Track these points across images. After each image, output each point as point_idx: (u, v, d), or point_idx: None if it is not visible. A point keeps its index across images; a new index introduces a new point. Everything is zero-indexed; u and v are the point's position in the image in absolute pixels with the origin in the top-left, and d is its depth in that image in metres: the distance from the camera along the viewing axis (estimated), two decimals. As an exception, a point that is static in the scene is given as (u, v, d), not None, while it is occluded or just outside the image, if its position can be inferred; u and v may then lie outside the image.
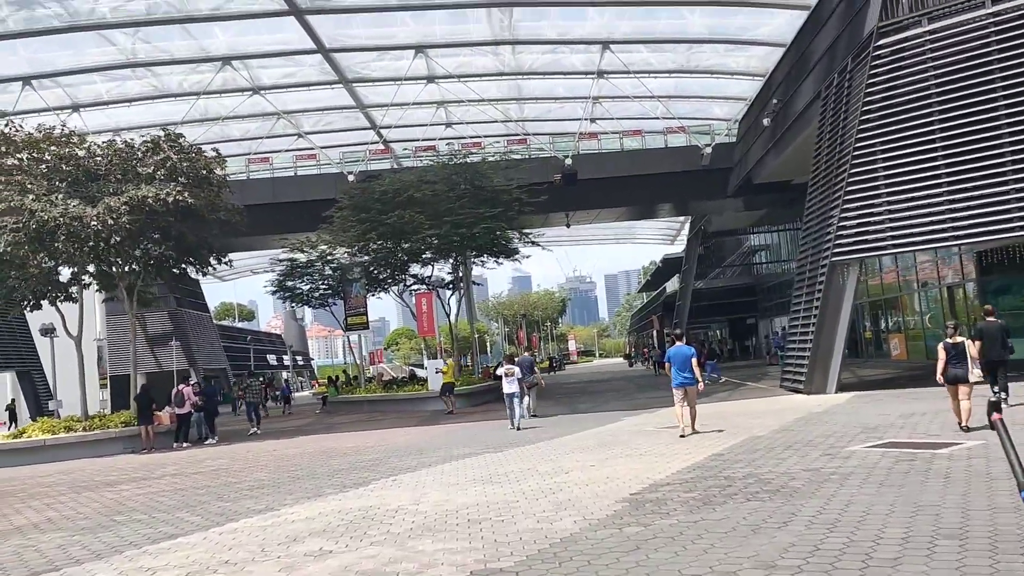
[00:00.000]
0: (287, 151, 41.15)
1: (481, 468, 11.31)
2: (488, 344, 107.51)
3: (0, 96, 32.39)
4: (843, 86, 21.21)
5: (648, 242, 74.86)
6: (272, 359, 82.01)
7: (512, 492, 9.01)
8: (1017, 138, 17.21)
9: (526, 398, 18.49)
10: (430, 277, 32.23)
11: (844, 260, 19.27)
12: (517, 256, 32.42)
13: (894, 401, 15.95)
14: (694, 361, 13.25)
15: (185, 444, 19.70)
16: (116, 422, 20.02)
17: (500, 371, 18.63)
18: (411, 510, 8.37)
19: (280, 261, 32.90)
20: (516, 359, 18.67)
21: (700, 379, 13.41)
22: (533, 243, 32.06)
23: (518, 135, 40.59)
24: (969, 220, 17.54)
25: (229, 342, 65.71)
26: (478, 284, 35.15)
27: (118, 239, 18.67)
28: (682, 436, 12.97)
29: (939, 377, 11.08)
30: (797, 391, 20.58)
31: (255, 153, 40.67)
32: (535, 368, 20.65)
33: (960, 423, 10.78)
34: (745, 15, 32.55)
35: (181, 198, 18.72)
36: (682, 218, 58.96)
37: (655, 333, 65.72)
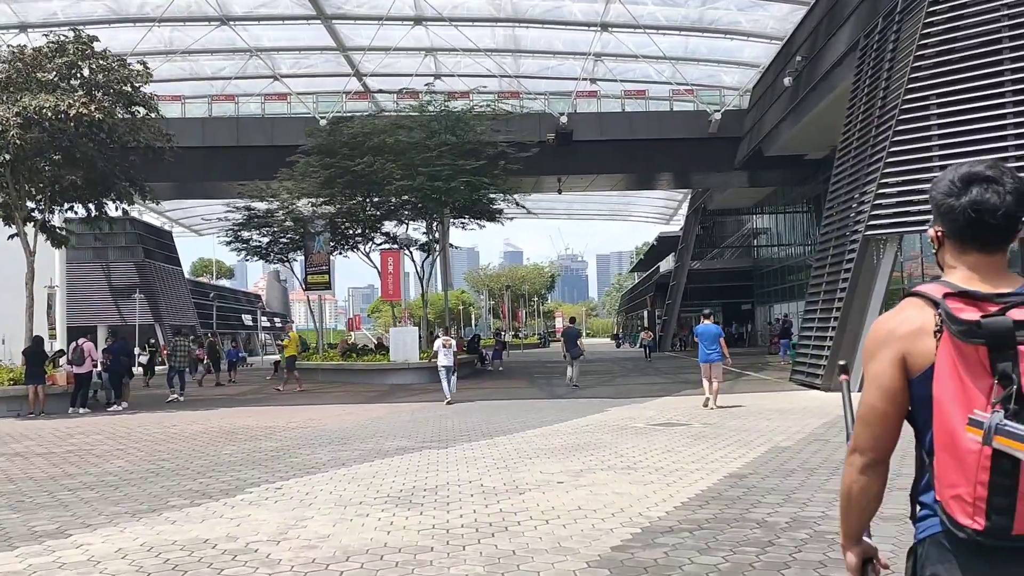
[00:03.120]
0: (259, 95, 37.63)
1: (406, 474, 8.19)
2: (473, 316, 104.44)
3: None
4: (888, 32, 17.96)
5: (643, 220, 71.73)
6: (248, 320, 79.00)
7: (431, 527, 5.89)
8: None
9: (572, 369, 20.57)
10: (401, 236, 28.97)
11: (881, 234, 16.16)
12: (499, 218, 29.16)
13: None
14: (721, 340, 14.43)
15: (83, 410, 16.46)
16: (3, 379, 16.75)
17: (436, 344, 17.43)
18: (259, 556, 5.24)
19: (236, 209, 29.45)
20: (502, 331, 17.02)
21: (727, 355, 14.53)
22: (517, 204, 28.78)
23: (512, 91, 37.09)
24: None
25: (203, 299, 62.76)
26: (455, 248, 31.90)
27: (7, 157, 15.34)
28: (706, 406, 14.08)
29: None
30: (813, 387, 17.55)
31: (220, 95, 37.13)
32: (579, 340, 21.49)
33: None
34: (767, -33, 29.34)
35: (86, 111, 15.34)
36: (680, 195, 55.77)
37: (646, 314, 62.87)
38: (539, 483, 7.56)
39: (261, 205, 28.97)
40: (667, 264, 59.40)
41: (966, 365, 1.63)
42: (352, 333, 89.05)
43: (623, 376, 25.66)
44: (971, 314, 1.65)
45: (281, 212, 28.38)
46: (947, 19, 15.72)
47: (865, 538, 1.88)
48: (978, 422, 1.60)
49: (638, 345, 56.13)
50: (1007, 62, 14.94)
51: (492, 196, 28.13)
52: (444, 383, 16.96)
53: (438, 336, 18.04)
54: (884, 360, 1.78)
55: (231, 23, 33.75)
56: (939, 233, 1.84)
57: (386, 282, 25.66)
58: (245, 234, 29.59)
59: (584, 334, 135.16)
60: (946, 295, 1.70)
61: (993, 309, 1.65)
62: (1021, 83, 14.73)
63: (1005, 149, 14.77)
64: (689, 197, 49.84)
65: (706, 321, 14.97)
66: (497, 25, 35.91)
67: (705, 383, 14.44)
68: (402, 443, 10.66)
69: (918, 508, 1.82)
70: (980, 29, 15.33)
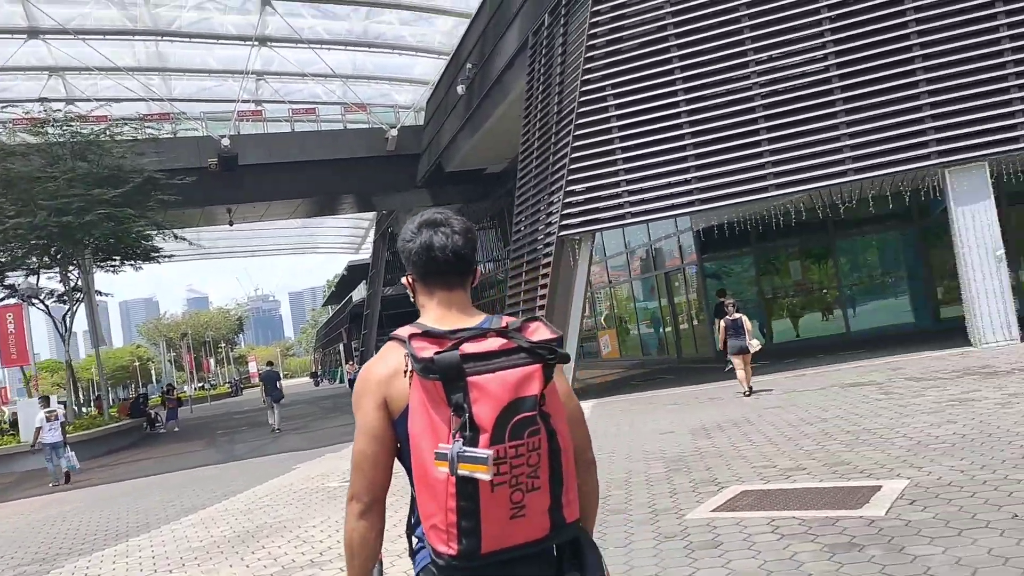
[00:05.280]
0: None
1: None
2: (153, 371, 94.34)
3: None
4: (556, 27, 17.37)
5: (333, 251, 68.99)
6: None
7: None
8: (767, 88, 14.29)
9: (273, 414, 19.94)
10: (27, 286, 23.74)
11: (574, 233, 15.26)
12: (156, 257, 25.03)
13: (656, 410, 12.01)
14: None
15: None
16: None
17: (38, 419, 14.75)
18: None
19: None
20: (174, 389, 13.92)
21: None
22: (177, 237, 24.92)
23: (162, 113, 32.73)
24: (717, 181, 14.30)
25: None
26: (104, 296, 27.07)
27: None
28: None
29: (721, 347, 12.57)
30: (522, 403, 16.26)
31: None
32: (278, 383, 20.78)
33: (746, 389, 11.80)
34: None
35: None
36: (367, 222, 53.99)
37: (342, 347, 60.27)
38: (170, 624, 4.89)
39: None
40: (360, 293, 57.36)
41: (431, 400, 1.64)
42: (4, 408, 75.68)
43: (321, 419, 22.95)
44: (428, 351, 1.65)
45: None
46: (613, 7, 15.26)
47: None
48: (443, 454, 1.61)
49: (337, 380, 53.39)
50: (674, 49, 14.74)
51: (147, 232, 24.07)
52: (49, 464, 14.88)
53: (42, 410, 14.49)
54: (368, 407, 1.79)
55: None
56: (411, 278, 1.93)
57: (7, 344, 20.46)
58: None
59: (281, 375, 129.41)
60: (412, 336, 1.71)
61: (448, 345, 1.67)
62: (689, 70, 14.60)
63: (681, 138, 14.56)
64: (376, 221, 48.21)
65: None
66: (136, 39, 31.58)
67: None
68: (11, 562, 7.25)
69: (414, 542, 1.82)
70: (646, 16, 15.04)
